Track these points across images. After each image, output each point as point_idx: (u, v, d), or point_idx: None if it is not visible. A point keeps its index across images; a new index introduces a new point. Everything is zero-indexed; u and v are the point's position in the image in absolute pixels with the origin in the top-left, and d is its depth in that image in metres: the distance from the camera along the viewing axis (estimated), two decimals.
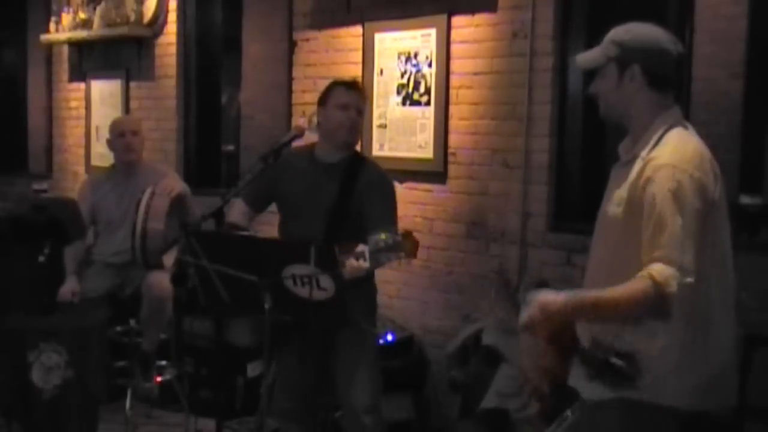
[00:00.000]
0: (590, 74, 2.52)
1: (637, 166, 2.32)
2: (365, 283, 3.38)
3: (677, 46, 2.39)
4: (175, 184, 4.65)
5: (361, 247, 2.99)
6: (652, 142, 2.34)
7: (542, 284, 4.40)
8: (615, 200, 2.37)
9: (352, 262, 2.99)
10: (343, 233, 3.25)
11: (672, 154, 2.27)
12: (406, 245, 2.96)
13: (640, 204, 2.27)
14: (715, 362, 2.31)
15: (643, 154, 2.33)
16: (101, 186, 4.86)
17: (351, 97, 3.45)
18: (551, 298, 2.30)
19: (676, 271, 2.15)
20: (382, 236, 2.98)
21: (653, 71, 2.36)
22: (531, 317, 2.30)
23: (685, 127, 2.41)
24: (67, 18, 7.17)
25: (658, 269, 2.16)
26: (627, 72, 2.36)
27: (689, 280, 2.16)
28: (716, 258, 2.31)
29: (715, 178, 2.31)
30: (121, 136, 4.80)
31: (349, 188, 3.38)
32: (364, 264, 2.97)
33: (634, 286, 2.18)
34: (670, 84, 2.41)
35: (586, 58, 2.48)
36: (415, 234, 5.06)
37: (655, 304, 2.17)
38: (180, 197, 4.57)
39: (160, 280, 4.52)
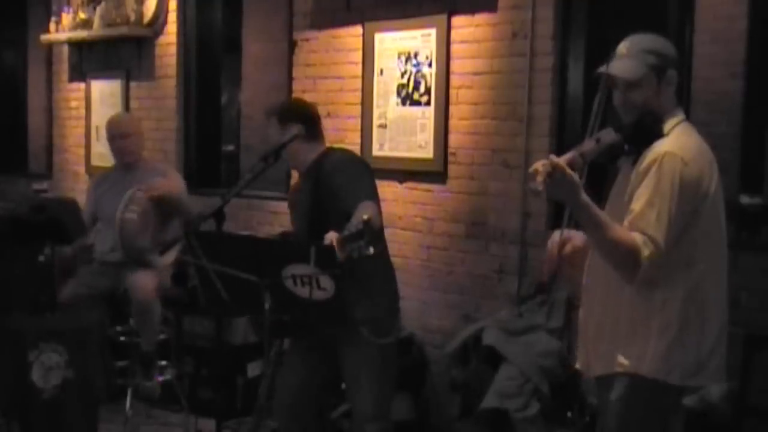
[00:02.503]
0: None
1: (648, 156, 2.44)
2: (376, 290, 3.37)
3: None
4: (165, 183, 4.63)
5: (330, 234, 2.91)
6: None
7: (542, 285, 4.41)
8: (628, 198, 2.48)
9: None
10: (326, 229, 3.22)
11: (674, 144, 2.42)
12: (366, 233, 2.81)
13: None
14: (705, 345, 2.46)
15: (654, 145, 2.46)
16: (102, 183, 4.88)
17: None
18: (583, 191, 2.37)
19: (654, 249, 2.34)
20: (350, 224, 2.92)
21: (677, 74, 2.53)
22: (558, 164, 2.30)
23: (689, 124, 2.56)
24: (67, 18, 7.17)
25: (642, 240, 2.35)
26: (665, 78, 2.49)
27: (659, 259, 2.36)
28: (711, 248, 2.47)
29: (711, 173, 2.44)
30: (111, 140, 4.82)
31: (316, 186, 3.39)
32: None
33: (630, 236, 2.36)
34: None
35: (626, 69, 2.50)
36: (414, 234, 5.10)
37: (629, 264, 2.37)
38: (163, 198, 4.54)
39: (143, 280, 4.52)
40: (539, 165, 2.30)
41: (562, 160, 2.34)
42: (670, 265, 2.40)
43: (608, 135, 2.48)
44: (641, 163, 2.43)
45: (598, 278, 2.55)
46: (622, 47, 2.53)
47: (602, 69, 2.53)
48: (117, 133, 4.80)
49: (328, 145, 3.63)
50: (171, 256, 4.57)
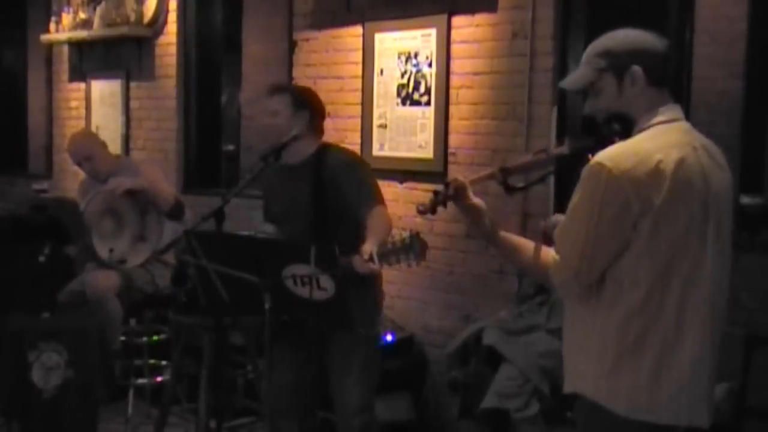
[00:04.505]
0: None
1: None
2: (364, 284, 3.37)
3: (662, 41, 2.33)
4: (127, 180, 4.64)
5: (367, 247, 2.94)
6: None
7: (542, 287, 4.41)
8: None
9: (360, 261, 2.93)
10: (330, 229, 3.22)
11: (611, 152, 2.19)
12: (416, 247, 2.88)
13: None
14: (669, 378, 2.19)
15: None
16: (92, 187, 4.89)
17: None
18: (486, 221, 2.38)
19: (564, 270, 2.22)
20: (393, 239, 2.94)
21: (650, 69, 2.27)
22: (456, 184, 2.35)
23: (671, 126, 2.29)
24: (67, 18, 7.17)
25: (554, 261, 2.25)
26: (626, 77, 2.26)
27: (575, 280, 2.21)
28: (664, 265, 2.17)
29: (657, 185, 2.13)
30: (79, 166, 4.87)
31: (318, 184, 3.37)
32: (374, 266, 2.90)
33: (544, 257, 2.29)
34: (665, 80, 2.33)
35: (574, 79, 2.36)
36: None
37: (547, 283, 2.29)
38: (132, 191, 4.57)
39: (98, 277, 4.54)
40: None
41: (469, 179, 2.31)
42: (608, 285, 2.20)
43: (561, 145, 2.37)
44: None
45: None
46: (584, 53, 2.35)
47: (560, 83, 2.43)
48: (81, 158, 4.82)
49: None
50: (139, 258, 4.59)
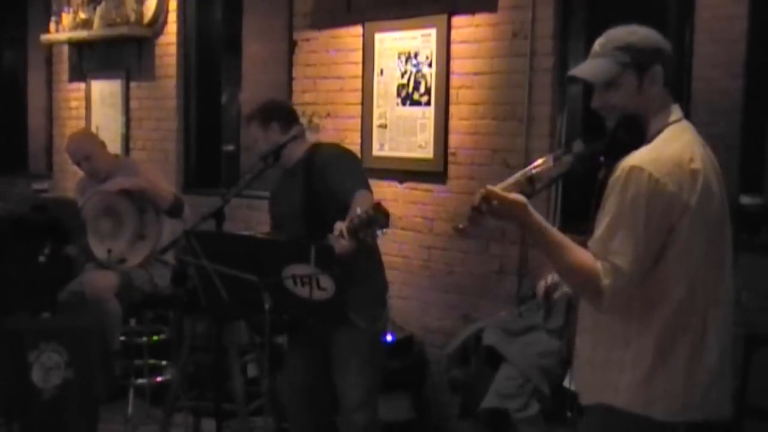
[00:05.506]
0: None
1: (617, 170, 2.22)
2: (366, 279, 3.37)
3: (666, 40, 2.33)
4: (123, 180, 4.65)
5: (338, 225, 2.92)
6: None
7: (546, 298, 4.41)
8: None
9: (333, 240, 2.91)
10: (324, 226, 3.23)
11: (645, 156, 2.17)
12: (380, 218, 2.85)
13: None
14: (699, 375, 2.20)
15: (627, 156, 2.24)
16: (89, 186, 4.88)
17: None
18: (532, 212, 2.22)
19: (616, 277, 2.13)
20: (357, 213, 2.93)
21: (666, 70, 2.26)
22: (490, 194, 2.19)
23: (682, 125, 2.31)
24: (67, 18, 7.17)
25: (603, 268, 2.14)
26: (647, 75, 2.23)
27: (626, 287, 2.15)
28: (695, 266, 2.19)
29: (693, 184, 2.16)
30: (78, 165, 4.87)
31: (309, 182, 3.38)
32: (345, 242, 2.89)
33: (590, 262, 2.16)
34: (671, 80, 2.32)
35: (595, 71, 2.27)
36: (414, 233, 5.10)
37: (590, 292, 2.17)
38: (127, 191, 4.58)
39: (96, 278, 4.54)
40: (477, 196, 2.17)
41: (499, 187, 2.20)
42: (645, 290, 2.18)
43: (576, 149, 2.31)
44: (612, 177, 2.20)
45: (586, 304, 2.36)
46: (597, 44, 2.28)
47: (572, 72, 2.34)
48: (80, 158, 4.81)
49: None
50: (139, 257, 4.60)
